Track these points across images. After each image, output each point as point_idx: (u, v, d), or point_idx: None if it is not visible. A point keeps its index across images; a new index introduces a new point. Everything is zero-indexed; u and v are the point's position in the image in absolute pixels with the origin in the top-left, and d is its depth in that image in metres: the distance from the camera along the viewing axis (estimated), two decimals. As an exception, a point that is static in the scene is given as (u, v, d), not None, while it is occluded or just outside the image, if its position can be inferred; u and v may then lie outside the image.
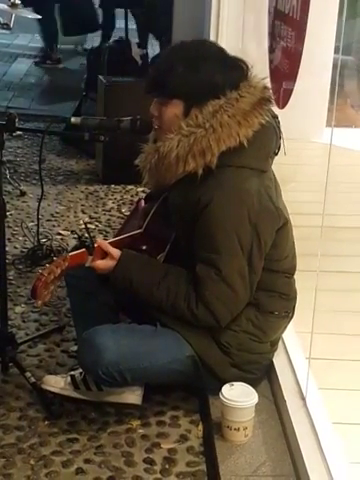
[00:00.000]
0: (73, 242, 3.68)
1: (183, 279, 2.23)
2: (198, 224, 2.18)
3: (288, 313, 2.43)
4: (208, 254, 2.18)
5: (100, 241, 2.32)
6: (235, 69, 2.19)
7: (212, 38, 4.19)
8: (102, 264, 2.29)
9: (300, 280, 2.47)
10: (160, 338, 2.30)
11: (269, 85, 2.31)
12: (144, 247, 2.39)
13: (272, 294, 2.35)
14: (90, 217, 4.20)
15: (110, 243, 2.40)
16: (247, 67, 2.22)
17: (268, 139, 2.24)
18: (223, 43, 2.49)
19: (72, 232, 3.89)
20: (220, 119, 2.13)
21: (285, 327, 2.47)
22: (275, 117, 2.27)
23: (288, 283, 2.41)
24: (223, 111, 2.13)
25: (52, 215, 4.21)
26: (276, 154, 2.32)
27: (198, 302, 2.20)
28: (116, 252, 2.29)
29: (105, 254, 2.31)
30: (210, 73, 2.15)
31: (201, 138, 2.12)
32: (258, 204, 2.18)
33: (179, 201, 2.29)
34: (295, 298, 2.45)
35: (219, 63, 2.17)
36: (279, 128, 2.29)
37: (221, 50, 2.24)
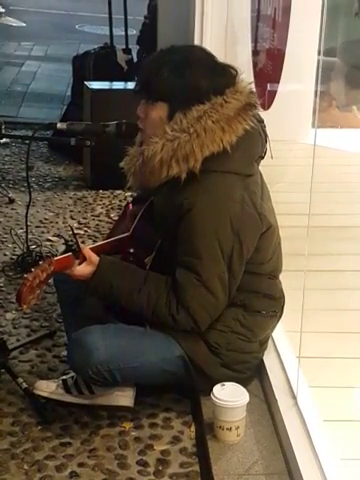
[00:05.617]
0: (62, 248, 3.68)
1: (163, 285, 2.23)
2: (180, 228, 2.19)
3: (276, 312, 2.43)
4: (189, 259, 2.18)
5: (82, 246, 2.28)
6: (222, 75, 2.20)
7: (196, 42, 4.21)
8: (78, 270, 2.25)
9: (288, 279, 2.48)
10: (150, 338, 2.31)
11: (255, 90, 2.31)
12: (132, 250, 2.39)
13: (257, 295, 2.36)
14: (79, 223, 4.21)
15: (98, 247, 2.40)
16: (236, 73, 2.23)
17: (253, 144, 2.25)
18: (207, 47, 2.50)
19: (59, 236, 3.89)
20: (204, 124, 2.13)
21: (274, 326, 2.48)
22: (261, 121, 2.28)
23: (272, 284, 2.41)
24: (207, 116, 2.14)
25: (41, 222, 4.22)
26: (262, 158, 2.33)
27: (179, 307, 2.21)
28: (94, 258, 2.26)
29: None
30: (195, 78, 2.16)
31: (185, 143, 2.13)
32: (241, 210, 2.18)
33: (163, 205, 2.30)
34: (282, 298, 2.45)
35: (206, 69, 2.18)
36: (265, 132, 2.29)
37: (210, 56, 2.25)
